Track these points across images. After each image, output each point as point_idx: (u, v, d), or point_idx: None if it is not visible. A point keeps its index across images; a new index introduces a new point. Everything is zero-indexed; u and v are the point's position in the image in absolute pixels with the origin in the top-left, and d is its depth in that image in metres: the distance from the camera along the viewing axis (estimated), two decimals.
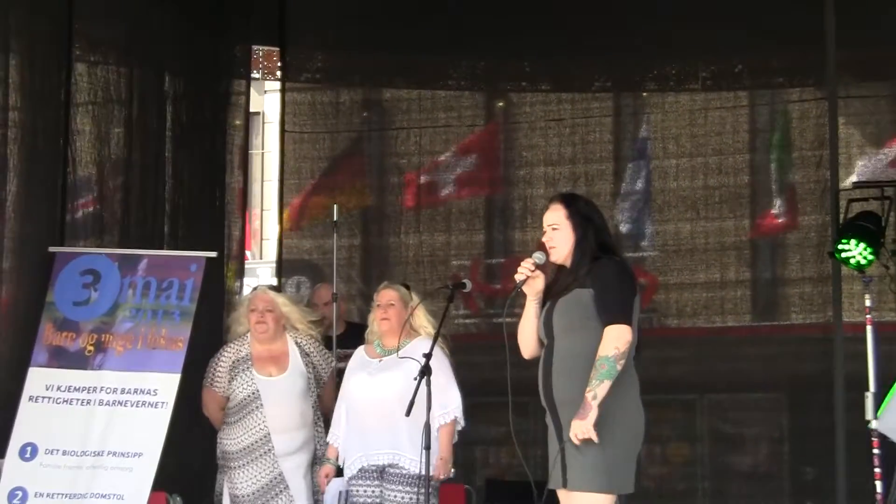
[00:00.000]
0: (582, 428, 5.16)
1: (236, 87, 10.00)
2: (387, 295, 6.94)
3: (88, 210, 8.48)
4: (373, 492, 6.79)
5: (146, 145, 8.83)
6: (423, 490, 6.59)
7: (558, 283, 5.49)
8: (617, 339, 5.20)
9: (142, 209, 8.70)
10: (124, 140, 8.69)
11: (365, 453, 6.78)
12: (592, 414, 5.15)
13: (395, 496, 6.70)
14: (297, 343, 7.20)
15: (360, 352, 7.02)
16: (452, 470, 6.80)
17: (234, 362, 7.11)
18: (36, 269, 7.68)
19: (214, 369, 7.15)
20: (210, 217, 9.35)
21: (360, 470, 6.80)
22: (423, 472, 6.40)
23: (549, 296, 5.48)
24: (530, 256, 5.49)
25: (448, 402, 6.69)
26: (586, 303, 5.31)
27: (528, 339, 5.53)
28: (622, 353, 5.19)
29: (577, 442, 5.19)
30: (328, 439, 6.99)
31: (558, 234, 5.48)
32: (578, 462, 5.23)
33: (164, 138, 8.96)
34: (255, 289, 7.43)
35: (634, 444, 5.35)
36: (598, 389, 5.16)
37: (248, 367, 7.08)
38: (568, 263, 5.48)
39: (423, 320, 6.86)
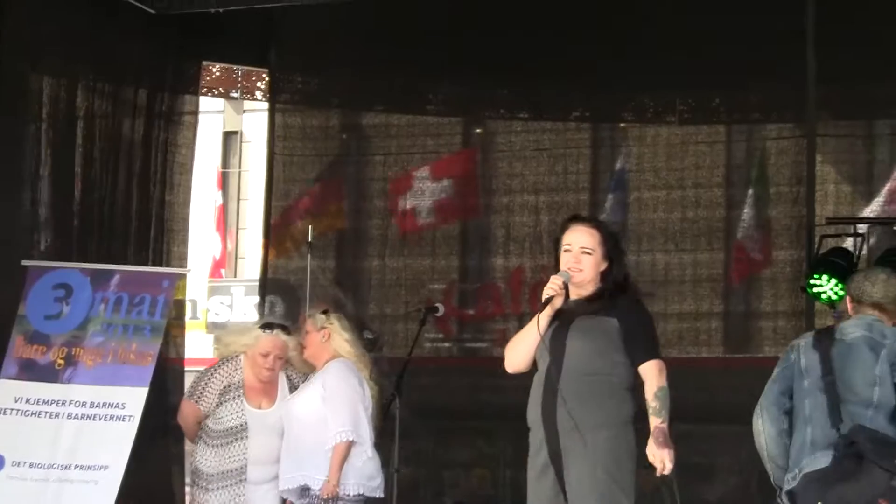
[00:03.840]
0: (671, 456, 5.19)
1: (185, 105, 10.05)
2: (305, 325, 7.12)
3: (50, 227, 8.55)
4: None
5: (99, 161, 8.90)
6: None
7: (568, 305, 5.47)
8: (663, 372, 5.31)
9: (94, 226, 8.75)
10: (80, 156, 8.78)
11: (288, 476, 6.92)
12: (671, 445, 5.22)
13: None
14: (287, 376, 7.21)
15: None
16: (354, 493, 6.78)
17: (225, 387, 7.08)
18: (7, 282, 7.70)
19: (204, 387, 7.10)
20: (148, 234, 9.41)
21: (286, 490, 6.94)
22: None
23: (557, 317, 5.47)
24: (557, 274, 5.46)
25: (341, 423, 6.74)
26: (611, 333, 5.33)
27: (525, 353, 5.49)
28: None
29: (663, 472, 5.20)
30: None
31: (588, 259, 5.45)
32: (600, 488, 5.23)
33: (107, 153, 9.05)
34: (268, 327, 7.23)
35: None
36: (668, 420, 5.25)
37: (239, 395, 7.05)
38: (584, 287, 5.48)
39: (339, 342, 6.97)
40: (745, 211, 10.92)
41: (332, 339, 7.00)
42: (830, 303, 8.63)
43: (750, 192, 10.89)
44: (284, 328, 7.31)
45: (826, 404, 5.44)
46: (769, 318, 10.57)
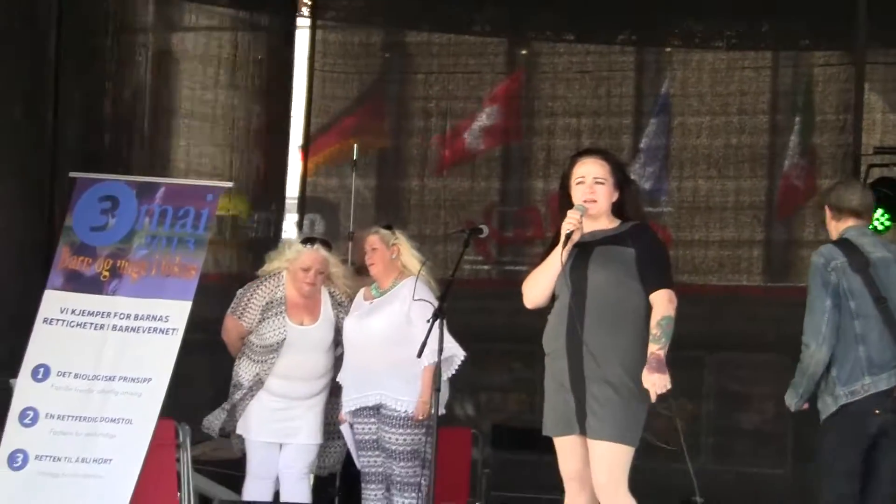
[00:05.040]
0: (665, 381, 5.22)
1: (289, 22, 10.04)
2: (369, 241, 7.03)
3: (109, 137, 8.53)
4: (369, 429, 6.87)
5: (165, 73, 8.85)
6: (415, 430, 6.72)
7: (584, 237, 5.46)
8: (672, 301, 5.34)
9: (157, 137, 8.73)
10: (145, 68, 8.72)
11: (357, 395, 6.87)
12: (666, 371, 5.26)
13: (390, 437, 6.77)
14: (330, 293, 7.20)
15: (359, 295, 7.11)
16: (442, 410, 6.74)
17: (268, 303, 7.09)
18: (55, 194, 7.71)
19: (246, 303, 7.12)
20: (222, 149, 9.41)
21: (356, 409, 6.89)
22: (433, 412, 6.47)
23: (575, 249, 5.47)
24: (573, 208, 5.44)
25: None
26: (629, 262, 5.39)
27: (546, 287, 5.49)
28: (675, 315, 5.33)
29: (655, 396, 5.24)
30: (339, 380, 7.05)
31: (602, 189, 5.47)
32: (622, 414, 5.30)
33: (183, 68, 9.02)
34: (308, 241, 7.29)
35: None
36: (666, 348, 5.28)
37: (281, 312, 7.07)
38: (599, 218, 5.50)
39: (408, 258, 6.90)
40: (790, 138, 10.83)
41: (401, 255, 6.94)
42: (877, 233, 8.55)
43: (796, 119, 10.79)
44: (325, 243, 7.32)
45: (887, 326, 5.76)
46: (811, 246, 10.41)
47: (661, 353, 5.26)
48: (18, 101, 7.57)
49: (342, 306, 7.20)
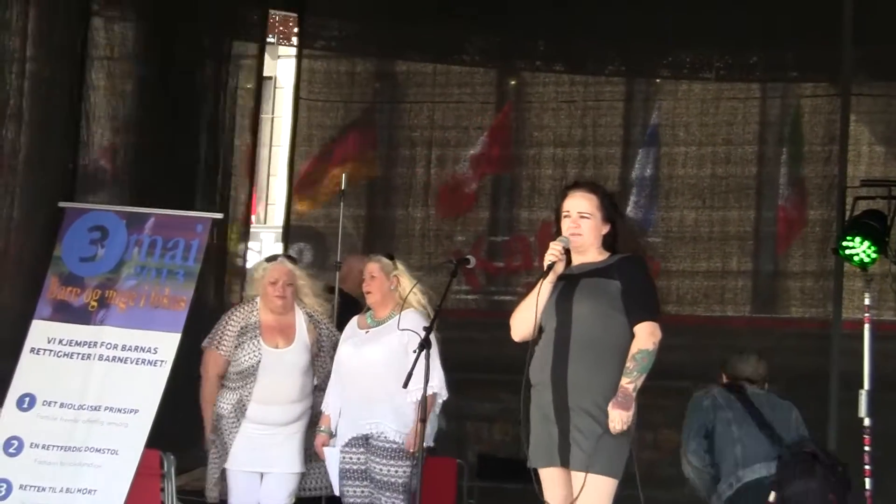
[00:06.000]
0: (625, 418, 5.25)
1: (250, 50, 10.04)
2: (368, 268, 6.97)
3: (99, 166, 8.52)
4: (358, 458, 6.79)
5: (157, 103, 8.85)
6: (405, 462, 6.66)
7: (571, 269, 5.51)
8: (654, 335, 5.35)
9: (150, 168, 8.72)
10: (137, 97, 8.72)
11: (350, 423, 6.80)
12: (634, 406, 5.28)
13: (380, 468, 6.70)
14: (306, 313, 7.16)
15: (352, 322, 7.06)
16: (431, 443, 6.72)
17: (242, 328, 7.06)
18: (46, 222, 7.70)
19: (222, 332, 7.09)
20: (215, 179, 9.37)
21: (349, 439, 6.82)
22: (419, 444, 6.45)
23: (561, 281, 5.50)
24: (555, 240, 5.49)
25: (436, 377, 6.59)
26: (614, 295, 5.40)
27: (530, 320, 5.49)
28: (657, 348, 5.33)
29: (615, 431, 5.27)
30: (322, 407, 7.01)
31: (587, 223, 5.50)
32: (606, 446, 5.31)
33: (176, 98, 9.00)
34: (272, 258, 7.29)
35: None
36: (638, 382, 5.30)
37: (255, 336, 7.03)
38: (586, 252, 5.53)
39: (407, 290, 6.82)
40: (776, 169, 10.88)
41: (400, 286, 6.87)
42: (862, 265, 8.57)
43: (783, 150, 10.84)
44: (290, 257, 7.32)
45: (758, 425, 6.74)
46: (797, 278, 10.53)
47: (630, 387, 5.28)
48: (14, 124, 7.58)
49: (321, 324, 7.19)
